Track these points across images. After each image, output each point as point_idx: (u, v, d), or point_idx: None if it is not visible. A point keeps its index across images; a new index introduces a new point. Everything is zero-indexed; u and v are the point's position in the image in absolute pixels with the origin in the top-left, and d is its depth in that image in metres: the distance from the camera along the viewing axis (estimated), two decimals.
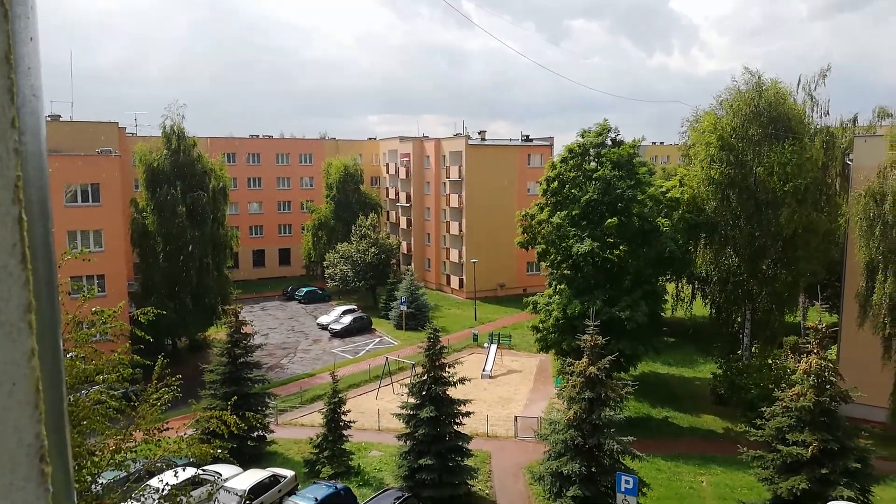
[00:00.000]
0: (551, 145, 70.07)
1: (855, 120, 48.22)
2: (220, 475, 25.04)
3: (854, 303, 31.18)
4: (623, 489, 20.32)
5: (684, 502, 25.17)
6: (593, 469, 21.44)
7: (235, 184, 69.81)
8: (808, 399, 18.89)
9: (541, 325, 35.79)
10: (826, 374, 19.43)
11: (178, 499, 14.32)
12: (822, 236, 36.75)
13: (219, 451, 14.61)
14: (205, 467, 24.32)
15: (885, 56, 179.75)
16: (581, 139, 36.49)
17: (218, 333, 44.60)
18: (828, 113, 44.86)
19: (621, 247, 33.25)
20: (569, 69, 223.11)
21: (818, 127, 41.23)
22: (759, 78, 36.66)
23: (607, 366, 22.38)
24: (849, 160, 36.57)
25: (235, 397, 25.51)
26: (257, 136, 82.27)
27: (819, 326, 20.33)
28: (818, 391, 18.94)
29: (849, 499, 16.79)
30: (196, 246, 44.92)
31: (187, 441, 14.32)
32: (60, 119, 53.51)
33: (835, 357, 31.76)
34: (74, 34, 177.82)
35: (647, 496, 22.73)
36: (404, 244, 73.75)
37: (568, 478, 21.47)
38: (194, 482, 21.15)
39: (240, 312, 32.30)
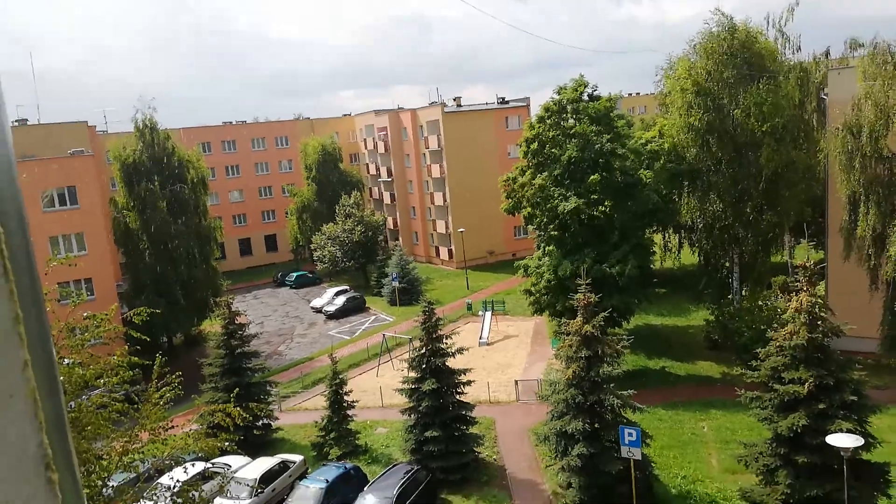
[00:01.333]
0: (528, 106, 69.55)
1: (827, 53, 48.03)
2: (230, 466, 25.24)
3: (839, 237, 31.47)
4: (627, 442, 20.63)
5: (687, 448, 25.71)
6: (596, 425, 21.70)
7: (213, 174, 69.02)
8: (800, 337, 19.10)
9: (533, 288, 35.87)
10: (817, 310, 19.59)
11: (190, 494, 14.44)
12: (802, 174, 36.92)
13: (226, 443, 14.73)
14: (214, 460, 24.48)
15: None
16: (557, 96, 35.98)
17: (213, 326, 44.51)
18: (800, 48, 44.61)
19: (606, 202, 33.16)
20: (540, 27, 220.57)
21: (791, 64, 41.02)
22: (730, 19, 36.38)
23: (601, 322, 22.50)
24: (824, 95, 36.51)
25: (237, 389, 25.47)
26: (230, 122, 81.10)
27: (807, 264, 20.46)
28: (810, 328, 19.14)
29: (847, 430, 17.12)
30: (181, 240, 44.59)
31: (193, 436, 14.41)
32: (28, 123, 52.39)
33: (824, 293, 32.23)
34: (31, 34, 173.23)
35: (651, 446, 23.15)
36: (390, 219, 73.48)
37: (572, 436, 21.75)
38: (204, 476, 21.40)
39: (232, 303, 32.18)
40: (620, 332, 31.65)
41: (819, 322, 19.26)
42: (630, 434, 20.63)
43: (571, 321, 22.90)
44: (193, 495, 14.47)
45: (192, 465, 16.74)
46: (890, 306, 29.42)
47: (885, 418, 21.86)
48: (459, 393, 25.90)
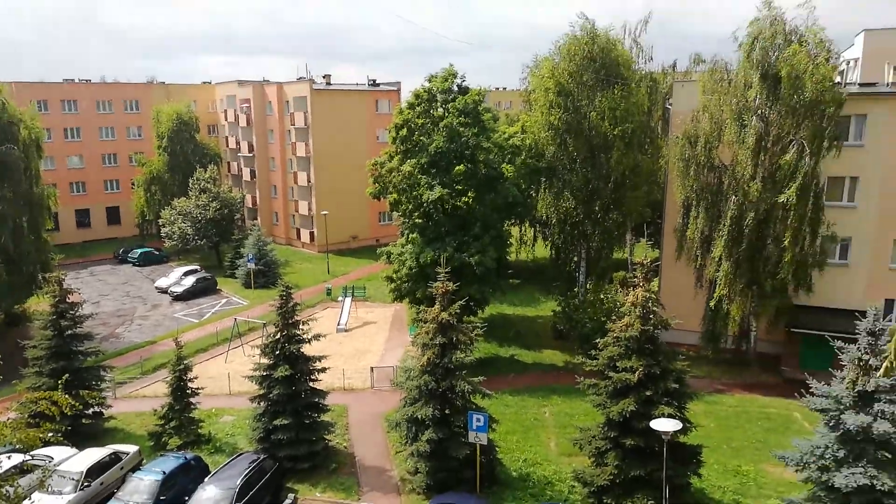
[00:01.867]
0: (399, 90, 69.37)
1: (674, 66, 52.55)
2: (52, 459, 23.07)
3: (673, 238, 34.45)
4: (475, 427, 21.32)
5: (529, 433, 27.08)
6: (446, 411, 22.23)
7: (50, 135, 62.36)
8: (634, 329, 20.62)
9: (395, 275, 35.92)
10: (650, 304, 21.21)
11: (4, 490, 13.27)
12: (646, 177, 39.90)
13: (49, 434, 13.63)
14: (34, 452, 22.27)
15: (705, 4, 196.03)
16: (428, 84, 36.12)
17: (39, 304, 40.50)
18: (651, 59, 48.34)
19: (469, 193, 33.91)
20: (413, 11, 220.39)
21: (643, 73, 44.20)
22: (593, 24, 38.31)
23: (458, 311, 22.97)
24: (669, 104, 39.50)
25: (66, 374, 23.28)
26: (73, 80, 73.43)
27: (644, 262, 22.06)
28: (643, 321, 20.70)
29: (669, 415, 18.82)
30: (6, 207, 39.85)
31: (11, 426, 13.47)
32: None
33: (657, 289, 35.14)
34: None
35: (497, 431, 24.10)
36: (249, 197, 70.42)
37: (423, 422, 22.12)
38: (22, 470, 19.38)
39: (64, 279, 29.19)
40: (475, 321, 32.50)
41: (651, 316, 20.81)
42: (478, 420, 21.34)
43: (430, 309, 23.16)
44: (8, 491, 13.36)
45: (8, 457, 15.28)
46: (710, 303, 32.70)
47: (700, 404, 24.39)
48: (313, 380, 25.36)
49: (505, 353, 36.47)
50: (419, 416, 22.08)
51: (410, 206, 35.32)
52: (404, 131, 35.61)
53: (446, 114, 35.08)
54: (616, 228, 41.05)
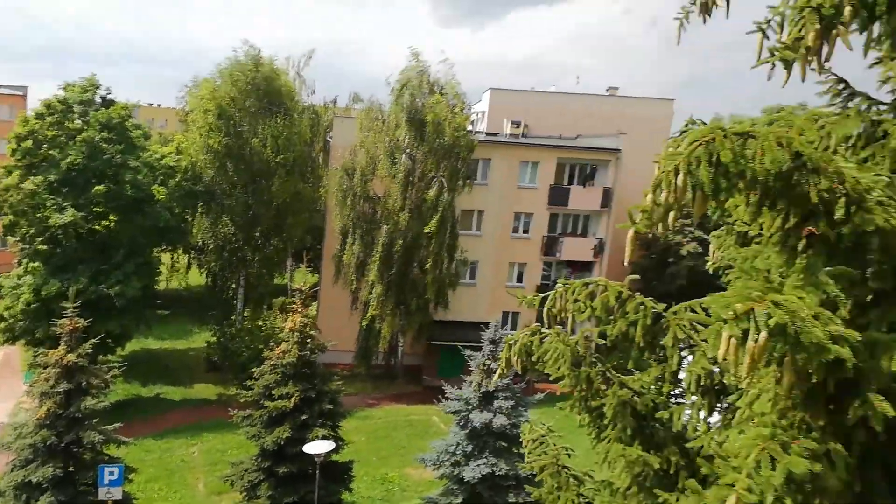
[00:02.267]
0: (25, 96, 59.35)
1: (335, 101, 55.33)
2: None
3: (331, 263, 35.90)
4: (106, 482, 18.57)
5: (174, 477, 24.89)
6: (70, 468, 18.93)
7: None
8: (292, 355, 20.49)
9: (6, 312, 30.67)
10: (307, 329, 21.40)
11: None
12: (307, 205, 40.89)
13: None
14: None
15: (364, 45, 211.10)
16: (64, 93, 32.81)
17: None
18: (314, 92, 50.21)
19: (111, 217, 30.95)
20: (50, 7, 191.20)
21: (306, 105, 45.67)
22: (258, 52, 38.10)
23: (90, 350, 19.95)
24: (329, 137, 41.40)
25: None
26: None
27: (303, 287, 22.21)
28: (301, 346, 20.74)
29: (323, 437, 18.99)
30: None
31: None
32: None
33: (315, 313, 35.84)
34: None
35: (134, 481, 21.30)
36: None
37: (38, 486, 18.44)
38: None
39: None
40: (114, 360, 28.82)
41: (309, 340, 20.98)
42: (111, 472, 18.67)
43: (52, 351, 19.65)
44: None
45: None
46: (363, 323, 34.64)
47: (353, 421, 25.32)
48: None
49: (149, 393, 33.21)
50: (33, 480, 18.36)
51: (32, 231, 30.70)
52: (29, 143, 31.54)
53: (86, 127, 31.47)
54: (276, 254, 41.12)
